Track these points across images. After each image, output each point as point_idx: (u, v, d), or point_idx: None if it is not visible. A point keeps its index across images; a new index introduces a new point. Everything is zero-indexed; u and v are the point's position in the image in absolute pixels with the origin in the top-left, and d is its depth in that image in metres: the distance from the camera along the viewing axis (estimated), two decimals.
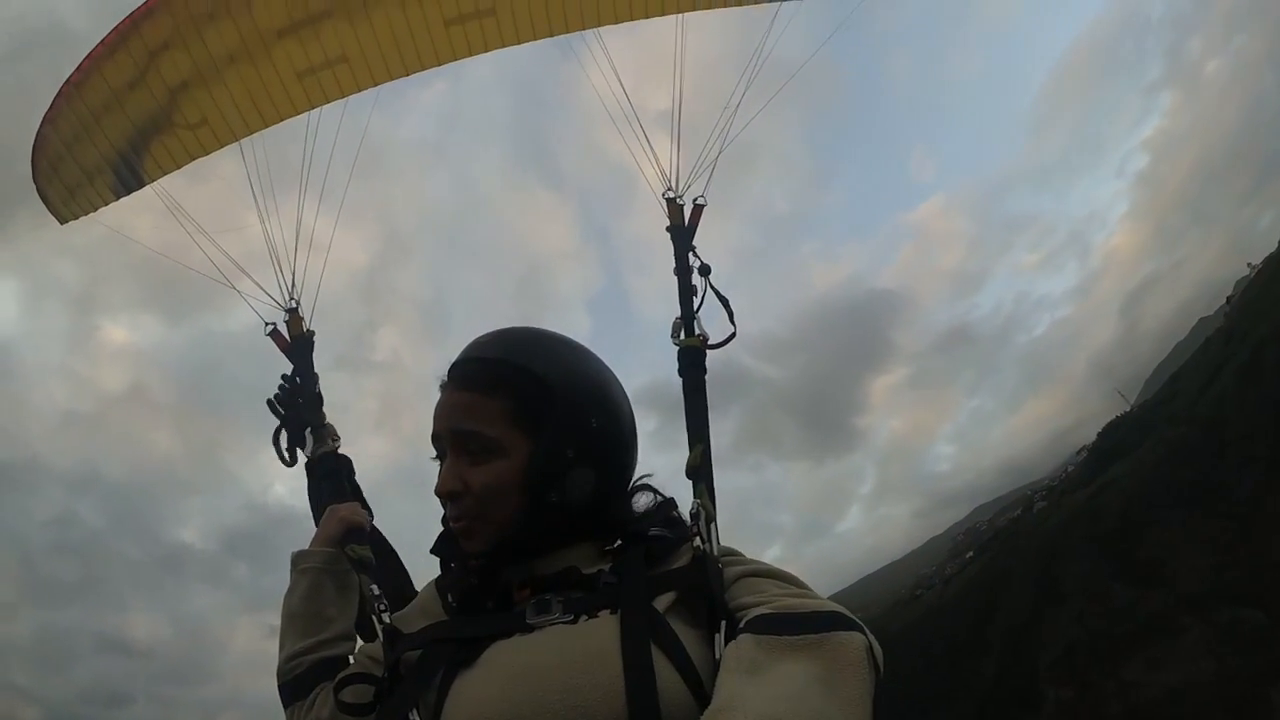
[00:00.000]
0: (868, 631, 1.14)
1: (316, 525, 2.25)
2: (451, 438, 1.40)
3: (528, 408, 1.38)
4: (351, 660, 1.62)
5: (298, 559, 1.75)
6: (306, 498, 2.24)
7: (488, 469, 1.37)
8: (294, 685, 1.58)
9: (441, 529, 1.54)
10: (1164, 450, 26.85)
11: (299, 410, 2.18)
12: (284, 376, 2.26)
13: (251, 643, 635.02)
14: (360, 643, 1.74)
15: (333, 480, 2.04)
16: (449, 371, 1.46)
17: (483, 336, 1.50)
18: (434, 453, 1.48)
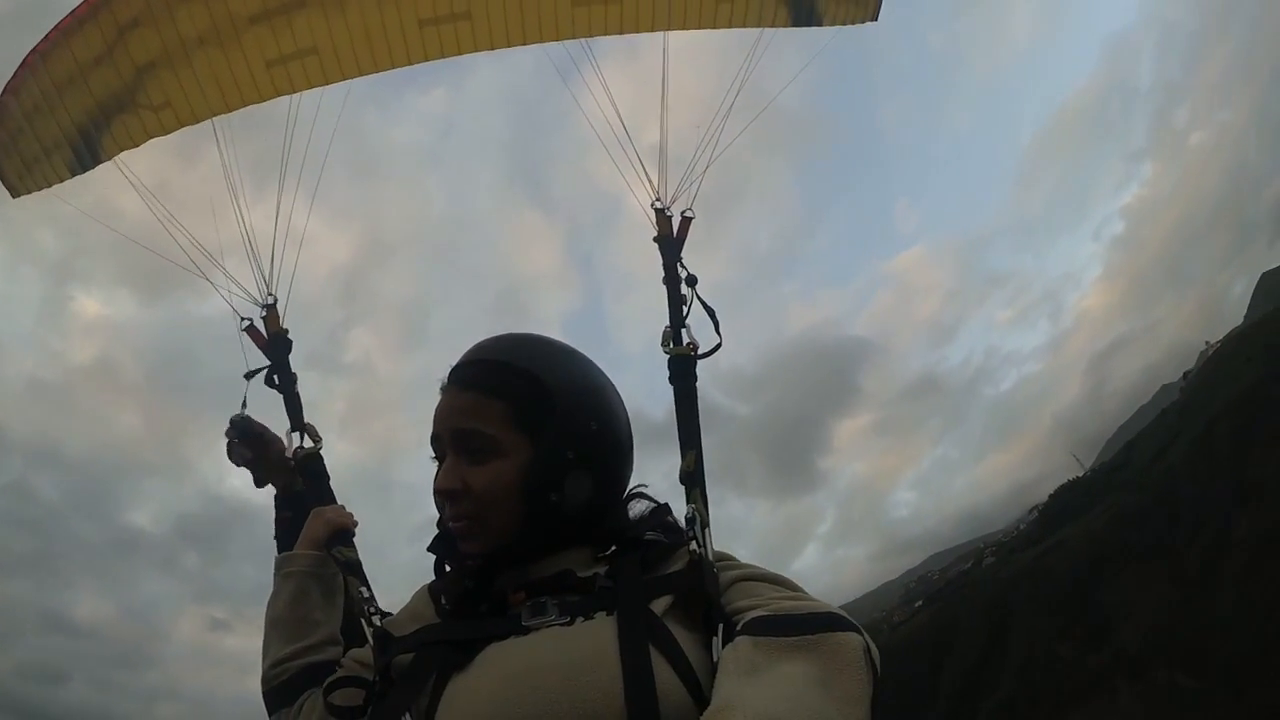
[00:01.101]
0: (865, 633, 1.14)
1: (278, 529, 2.20)
2: (452, 437, 1.39)
3: (528, 410, 1.38)
4: (340, 666, 1.57)
5: (282, 563, 1.72)
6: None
7: (487, 470, 1.36)
8: (279, 692, 1.55)
9: (438, 530, 1.52)
10: (1114, 515, 27.85)
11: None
12: (256, 372, 2.20)
13: (196, 634, 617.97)
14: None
15: (318, 481, 2.00)
16: (450, 374, 1.46)
17: (485, 340, 1.51)
18: (432, 455, 1.47)
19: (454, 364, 1.48)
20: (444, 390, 1.46)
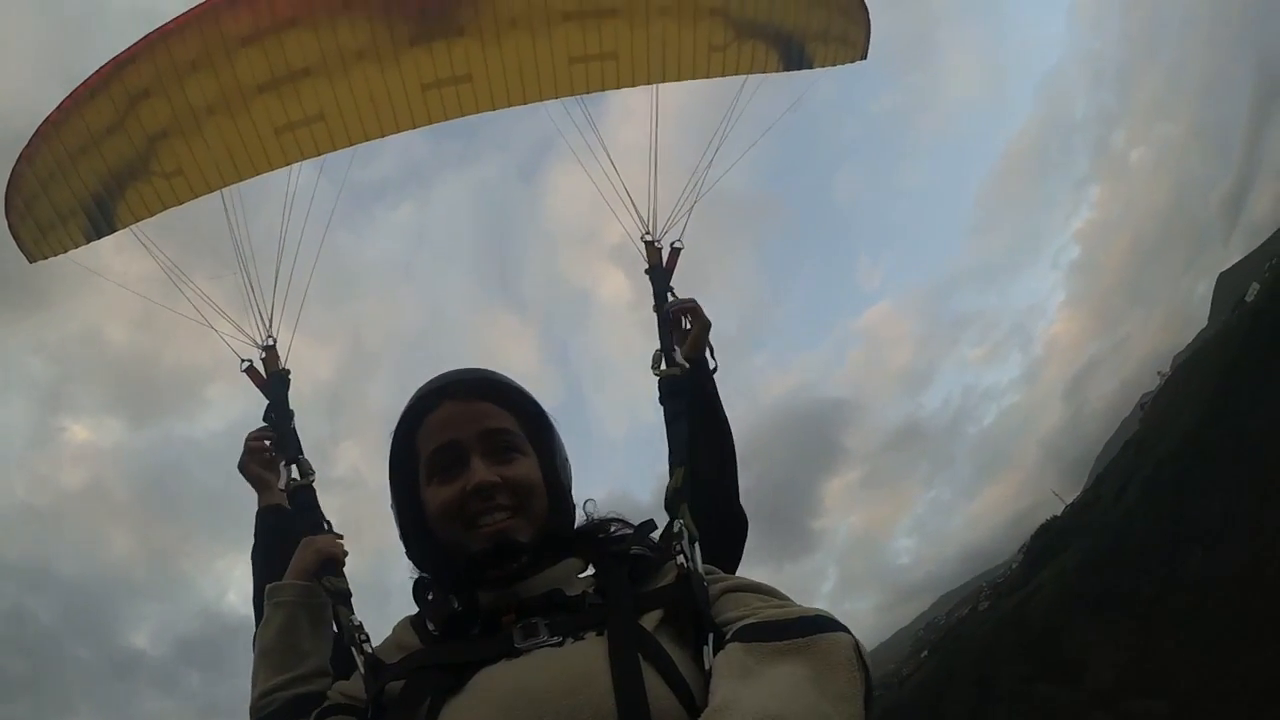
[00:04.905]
0: (853, 633, 1.19)
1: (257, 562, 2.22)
2: (481, 439, 1.46)
3: (530, 425, 1.53)
4: (327, 698, 1.60)
5: (272, 592, 1.74)
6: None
7: (518, 465, 1.46)
8: None
9: (416, 564, 1.57)
10: (1080, 560, 29.96)
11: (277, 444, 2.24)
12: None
13: None
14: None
15: (308, 512, 2.05)
16: (446, 389, 1.52)
17: (458, 369, 1.59)
18: (425, 476, 1.49)
19: (432, 386, 1.54)
20: (438, 404, 1.50)
